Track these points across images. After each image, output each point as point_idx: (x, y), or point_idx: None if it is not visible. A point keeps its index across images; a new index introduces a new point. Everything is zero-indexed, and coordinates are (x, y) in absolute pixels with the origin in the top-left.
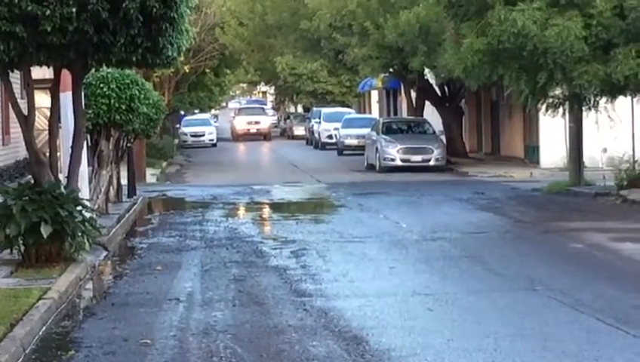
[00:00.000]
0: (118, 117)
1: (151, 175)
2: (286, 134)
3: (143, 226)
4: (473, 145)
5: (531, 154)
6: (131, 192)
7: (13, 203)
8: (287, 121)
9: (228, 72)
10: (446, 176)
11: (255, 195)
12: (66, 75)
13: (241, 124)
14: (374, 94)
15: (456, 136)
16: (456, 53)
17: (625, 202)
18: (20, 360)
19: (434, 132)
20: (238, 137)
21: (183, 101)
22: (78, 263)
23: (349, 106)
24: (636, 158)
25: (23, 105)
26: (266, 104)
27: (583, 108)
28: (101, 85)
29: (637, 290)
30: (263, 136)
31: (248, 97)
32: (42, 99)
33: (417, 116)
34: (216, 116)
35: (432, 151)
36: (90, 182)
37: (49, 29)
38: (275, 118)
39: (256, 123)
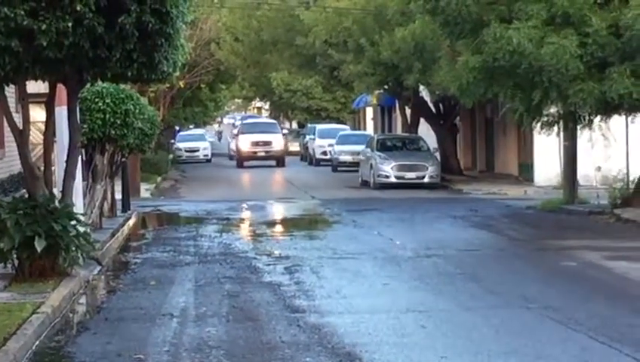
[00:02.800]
0: (112, 131)
1: (145, 190)
2: None
3: (137, 241)
4: (467, 163)
5: (525, 171)
6: (125, 207)
7: (7, 217)
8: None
9: (223, 87)
10: (440, 194)
11: (249, 211)
12: (62, 90)
13: (246, 144)
14: (369, 111)
15: (450, 154)
16: (451, 71)
17: (619, 220)
18: None
19: (428, 149)
20: (242, 160)
21: (177, 116)
22: (72, 278)
23: (343, 123)
24: (630, 177)
25: (17, 119)
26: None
27: (578, 126)
28: (96, 100)
29: (630, 309)
30: (276, 161)
31: (243, 113)
32: (37, 114)
33: (412, 133)
34: (220, 133)
35: (427, 169)
36: (84, 196)
37: (45, 43)
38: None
39: (266, 143)
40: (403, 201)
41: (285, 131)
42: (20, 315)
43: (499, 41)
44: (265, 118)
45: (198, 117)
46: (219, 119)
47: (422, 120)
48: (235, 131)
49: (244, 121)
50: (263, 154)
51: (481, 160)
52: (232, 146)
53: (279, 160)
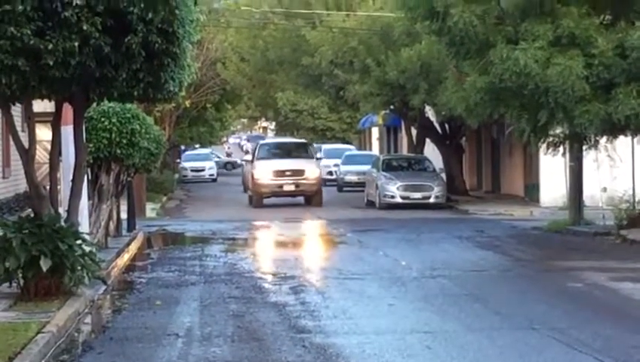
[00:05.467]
0: (118, 151)
1: (151, 209)
2: None
3: (143, 261)
4: (473, 183)
5: (531, 192)
6: (131, 226)
7: (12, 236)
8: None
9: (229, 107)
10: (446, 214)
11: (255, 231)
12: (68, 109)
13: (266, 174)
14: (375, 131)
15: (456, 174)
16: (457, 91)
17: (625, 241)
18: None
19: (434, 169)
20: (260, 197)
21: (183, 136)
22: (77, 297)
23: (349, 143)
24: (636, 198)
25: (24, 138)
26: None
27: (584, 147)
28: (102, 119)
29: (636, 330)
30: (307, 199)
31: (249, 133)
32: (43, 133)
33: (418, 153)
34: (229, 155)
35: (432, 189)
36: (90, 215)
37: (51, 62)
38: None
39: (295, 173)
40: (408, 222)
41: (320, 155)
42: (25, 334)
43: (505, 61)
44: (279, 135)
45: (203, 137)
46: (224, 139)
47: (427, 140)
48: (249, 157)
49: (263, 142)
50: (291, 188)
51: (487, 180)
52: (248, 175)
53: (313, 196)
